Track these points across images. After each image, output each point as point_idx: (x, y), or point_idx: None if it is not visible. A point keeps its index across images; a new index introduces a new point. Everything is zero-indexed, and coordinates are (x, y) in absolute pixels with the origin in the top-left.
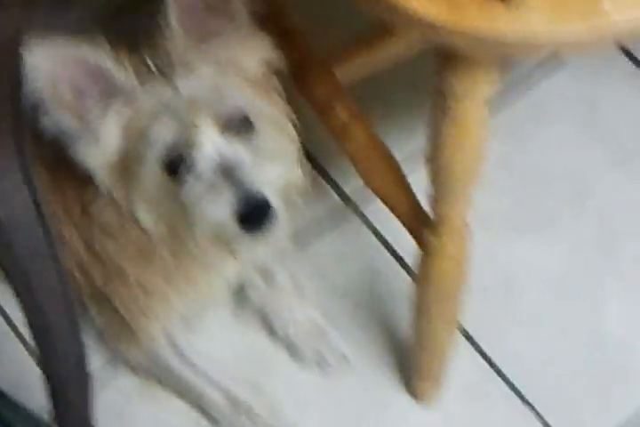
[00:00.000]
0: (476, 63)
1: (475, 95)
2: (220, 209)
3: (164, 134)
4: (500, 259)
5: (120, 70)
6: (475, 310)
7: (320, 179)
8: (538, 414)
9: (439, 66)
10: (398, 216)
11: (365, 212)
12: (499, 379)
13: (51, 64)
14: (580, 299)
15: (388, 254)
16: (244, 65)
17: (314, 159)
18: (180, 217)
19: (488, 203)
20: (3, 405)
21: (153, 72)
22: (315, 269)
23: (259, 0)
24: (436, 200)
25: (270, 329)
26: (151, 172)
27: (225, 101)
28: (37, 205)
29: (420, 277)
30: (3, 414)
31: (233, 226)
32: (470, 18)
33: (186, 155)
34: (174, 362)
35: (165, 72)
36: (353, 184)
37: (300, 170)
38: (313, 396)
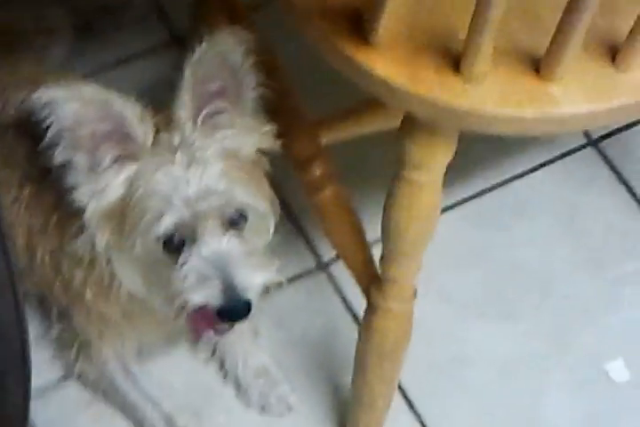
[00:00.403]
0: (435, 132)
1: (431, 163)
2: (203, 297)
3: (170, 217)
4: (458, 336)
5: (140, 125)
6: (421, 380)
7: (294, 231)
8: None
9: (400, 132)
10: (352, 273)
11: (332, 268)
12: None
13: (78, 104)
14: (524, 385)
15: (345, 312)
16: (245, 151)
17: (290, 212)
18: (156, 281)
19: (456, 283)
20: None
21: (169, 136)
22: (273, 318)
23: (266, 86)
24: (384, 261)
25: (222, 366)
26: (146, 240)
27: (232, 202)
28: None
29: (362, 334)
30: None
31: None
32: (428, 85)
33: (186, 243)
34: (121, 381)
35: (178, 145)
36: (324, 241)
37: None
38: None
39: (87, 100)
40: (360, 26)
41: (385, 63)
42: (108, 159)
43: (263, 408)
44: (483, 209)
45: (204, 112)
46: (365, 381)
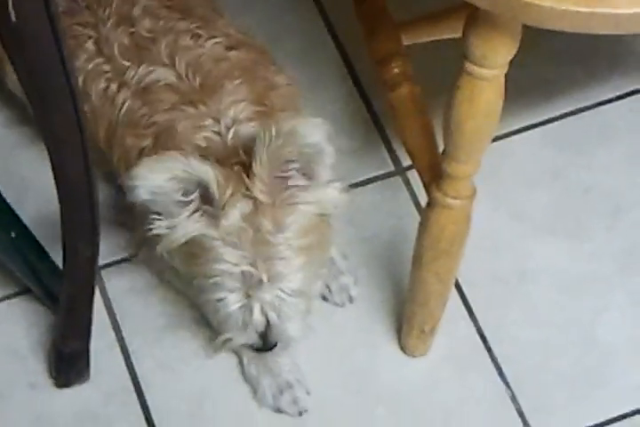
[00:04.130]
0: (496, 26)
1: (493, 58)
2: (244, 340)
3: (233, 302)
4: (524, 251)
5: (218, 189)
6: (483, 290)
7: (380, 140)
8: (514, 397)
9: (465, 26)
10: (418, 169)
11: (408, 174)
12: (487, 355)
13: (160, 178)
14: (584, 303)
15: (416, 216)
16: (316, 218)
17: (379, 122)
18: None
19: (529, 200)
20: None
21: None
22: (346, 214)
23: None
24: (444, 157)
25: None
26: (205, 291)
27: (293, 289)
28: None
29: (420, 229)
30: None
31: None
32: None
33: (242, 307)
34: None
35: (252, 222)
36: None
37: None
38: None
39: (171, 173)
40: None
41: None
42: (189, 209)
43: (325, 297)
44: (565, 131)
45: (278, 187)
46: (420, 277)
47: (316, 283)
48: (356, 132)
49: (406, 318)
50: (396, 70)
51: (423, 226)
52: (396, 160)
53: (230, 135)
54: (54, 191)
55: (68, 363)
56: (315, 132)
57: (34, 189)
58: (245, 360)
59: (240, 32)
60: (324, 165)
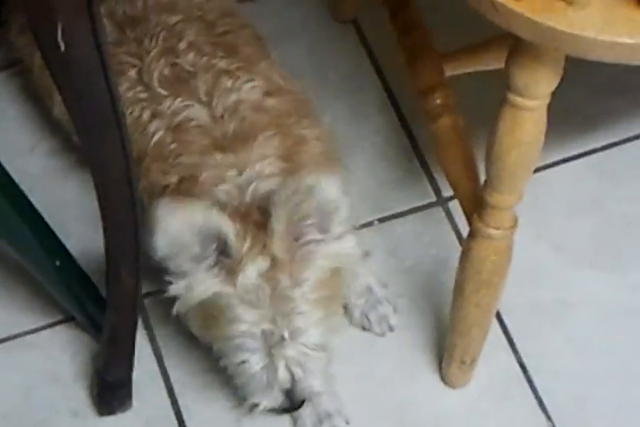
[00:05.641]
0: (539, 57)
1: (535, 89)
2: (269, 403)
3: (254, 364)
4: (565, 281)
5: (237, 240)
6: (524, 320)
7: (421, 170)
8: None
9: (508, 56)
10: (459, 200)
11: (450, 204)
12: (527, 386)
13: (178, 227)
14: (627, 334)
15: (458, 246)
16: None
17: (420, 152)
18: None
19: (569, 230)
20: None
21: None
22: (389, 245)
23: None
24: (486, 187)
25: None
26: (224, 344)
27: (312, 339)
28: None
29: (462, 259)
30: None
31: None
32: (530, 4)
33: (265, 367)
34: None
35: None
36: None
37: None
38: (350, 349)
39: (191, 222)
40: None
41: None
42: (206, 263)
43: (364, 327)
44: (607, 162)
45: (295, 243)
46: (462, 307)
47: (333, 336)
48: (398, 162)
49: (447, 349)
50: (438, 101)
51: (464, 256)
52: (437, 190)
53: (250, 190)
54: (99, 219)
55: (110, 391)
56: (332, 189)
57: (79, 217)
58: None
59: (281, 76)
60: (340, 219)
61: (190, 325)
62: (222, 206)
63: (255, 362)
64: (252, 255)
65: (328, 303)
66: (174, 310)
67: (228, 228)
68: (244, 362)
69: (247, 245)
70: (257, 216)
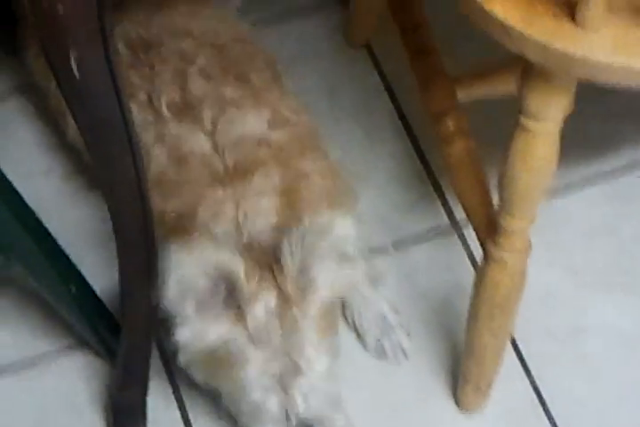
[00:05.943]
0: (550, 81)
1: (547, 113)
2: None
3: (265, 380)
4: (581, 307)
5: (245, 283)
6: (538, 346)
7: (434, 194)
8: None
9: (520, 80)
10: (473, 224)
11: (463, 229)
12: (542, 412)
13: (193, 272)
14: None
15: (472, 271)
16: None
17: (433, 176)
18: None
19: (585, 255)
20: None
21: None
22: (402, 270)
23: None
24: (499, 211)
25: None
26: (236, 390)
27: (322, 368)
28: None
29: (475, 284)
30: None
31: None
32: (542, 28)
33: (281, 402)
34: None
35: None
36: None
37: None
38: (364, 376)
39: (204, 268)
40: None
41: (503, 4)
42: (214, 308)
43: (378, 354)
44: (622, 186)
45: (305, 280)
46: (476, 332)
47: (337, 358)
48: (411, 186)
49: (462, 374)
50: (450, 125)
51: (478, 280)
52: (450, 214)
53: (248, 227)
54: (114, 244)
55: (125, 414)
56: (346, 229)
57: (93, 243)
58: None
59: (289, 107)
60: (351, 253)
61: (193, 372)
62: (222, 244)
63: (271, 398)
64: (261, 294)
65: (330, 331)
66: (179, 362)
67: (239, 267)
68: (259, 401)
69: (255, 283)
70: (259, 253)
